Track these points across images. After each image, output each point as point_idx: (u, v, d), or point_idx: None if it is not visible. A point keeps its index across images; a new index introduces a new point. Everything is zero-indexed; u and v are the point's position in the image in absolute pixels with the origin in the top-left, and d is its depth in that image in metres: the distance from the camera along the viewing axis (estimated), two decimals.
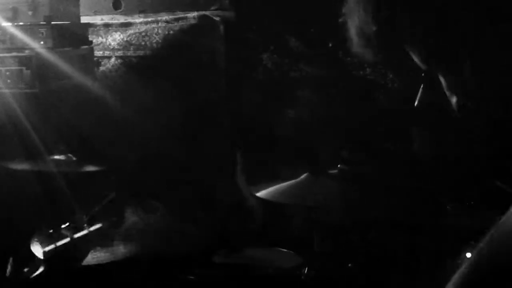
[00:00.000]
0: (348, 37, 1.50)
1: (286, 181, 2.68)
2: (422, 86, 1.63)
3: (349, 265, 2.63)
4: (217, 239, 2.81)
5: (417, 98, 1.67)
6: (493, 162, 2.71)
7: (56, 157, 2.78)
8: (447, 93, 1.46)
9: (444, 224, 2.56)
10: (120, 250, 2.42)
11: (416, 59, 1.45)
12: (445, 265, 2.30)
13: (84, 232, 2.46)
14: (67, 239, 2.42)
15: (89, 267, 2.39)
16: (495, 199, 2.60)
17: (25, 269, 2.42)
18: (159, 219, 2.70)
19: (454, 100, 1.45)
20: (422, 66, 1.45)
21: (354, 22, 1.46)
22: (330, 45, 3.44)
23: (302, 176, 2.61)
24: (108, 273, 2.42)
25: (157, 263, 2.49)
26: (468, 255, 2.05)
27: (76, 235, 2.43)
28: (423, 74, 1.59)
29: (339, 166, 2.51)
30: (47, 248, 2.37)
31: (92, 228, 2.46)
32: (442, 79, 1.45)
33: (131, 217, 2.67)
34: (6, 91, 2.88)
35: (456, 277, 1.08)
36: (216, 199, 3.24)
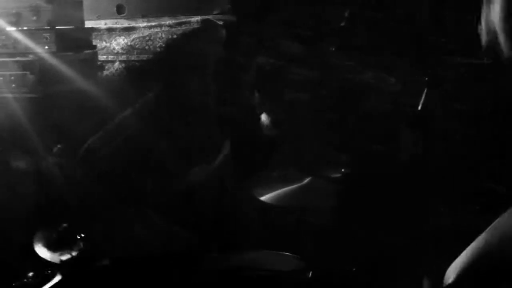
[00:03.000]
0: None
1: (286, 184, 2.70)
2: (425, 90, 1.64)
3: (353, 269, 2.63)
4: (209, 240, 2.81)
5: (421, 101, 1.69)
6: (484, 163, 2.72)
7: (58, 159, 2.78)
8: None
9: (438, 225, 2.57)
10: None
11: None
12: (440, 266, 2.30)
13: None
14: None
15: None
16: (487, 200, 2.61)
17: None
18: (149, 222, 2.69)
19: None
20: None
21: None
22: (333, 49, 3.46)
23: (306, 180, 2.62)
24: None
25: (149, 264, 2.49)
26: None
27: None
28: (426, 79, 1.60)
29: (342, 170, 2.51)
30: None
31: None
32: None
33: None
34: (10, 95, 2.89)
35: (457, 262, 1.09)
36: (208, 202, 3.24)
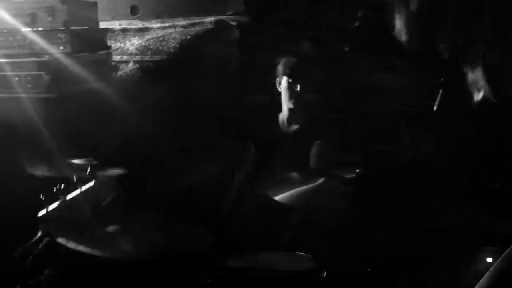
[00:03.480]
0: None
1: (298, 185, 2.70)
2: (441, 91, 1.64)
3: (368, 269, 2.63)
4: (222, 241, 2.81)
5: (436, 102, 1.68)
6: (492, 164, 2.71)
7: (75, 161, 2.79)
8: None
9: (453, 228, 2.56)
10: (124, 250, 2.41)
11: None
12: (458, 269, 2.30)
13: None
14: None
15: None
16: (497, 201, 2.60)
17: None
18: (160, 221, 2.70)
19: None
20: None
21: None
22: (346, 49, 3.45)
23: (320, 180, 2.62)
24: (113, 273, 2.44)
25: (162, 265, 2.50)
26: (489, 260, 2.04)
27: None
28: (442, 79, 1.60)
29: (357, 170, 2.51)
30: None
31: None
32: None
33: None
34: (25, 95, 2.90)
35: (490, 272, 1.08)
36: (218, 203, 3.25)
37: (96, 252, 2.19)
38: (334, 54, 3.47)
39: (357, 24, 3.39)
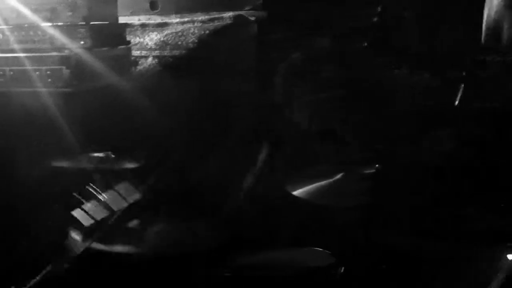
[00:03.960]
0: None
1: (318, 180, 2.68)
2: (463, 85, 1.62)
3: (383, 266, 2.62)
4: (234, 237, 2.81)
5: (458, 97, 1.67)
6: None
7: (95, 154, 2.81)
8: None
9: (469, 228, 2.54)
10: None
11: None
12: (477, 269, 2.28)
13: None
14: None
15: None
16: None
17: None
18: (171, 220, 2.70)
19: None
20: None
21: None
22: (365, 44, 3.44)
23: (338, 176, 2.61)
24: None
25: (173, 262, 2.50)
26: (510, 257, 2.02)
27: None
28: (464, 73, 1.59)
29: (376, 165, 2.49)
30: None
31: None
32: None
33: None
34: (45, 90, 2.92)
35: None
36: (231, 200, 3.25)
37: (125, 250, 2.21)
38: (351, 51, 3.45)
39: (375, 20, 3.37)
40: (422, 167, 2.83)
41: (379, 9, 3.38)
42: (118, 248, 2.25)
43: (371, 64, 3.27)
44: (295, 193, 2.65)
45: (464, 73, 2.06)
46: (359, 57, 3.37)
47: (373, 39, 3.34)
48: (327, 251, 2.66)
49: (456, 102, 1.55)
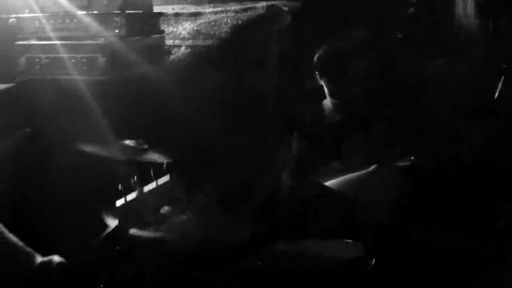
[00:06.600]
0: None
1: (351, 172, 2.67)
2: (503, 78, 1.59)
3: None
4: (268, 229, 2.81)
5: (498, 90, 1.64)
6: None
7: (126, 142, 2.81)
8: None
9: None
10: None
11: None
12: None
13: None
14: None
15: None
16: None
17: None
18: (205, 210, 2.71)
19: None
20: None
21: None
22: (400, 36, 3.40)
23: (371, 168, 2.59)
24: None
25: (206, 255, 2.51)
26: None
27: None
28: (504, 66, 1.56)
29: (411, 158, 2.47)
30: None
31: None
32: None
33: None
34: (80, 77, 2.95)
35: None
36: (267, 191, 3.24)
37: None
38: (385, 42, 3.42)
39: (411, 10, 3.33)
40: (459, 161, 2.79)
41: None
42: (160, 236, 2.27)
43: (407, 55, 3.23)
44: (327, 184, 2.65)
45: (504, 66, 2.01)
46: (394, 48, 3.33)
47: (409, 30, 3.30)
48: (358, 243, 2.66)
49: (496, 95, 1.52)
